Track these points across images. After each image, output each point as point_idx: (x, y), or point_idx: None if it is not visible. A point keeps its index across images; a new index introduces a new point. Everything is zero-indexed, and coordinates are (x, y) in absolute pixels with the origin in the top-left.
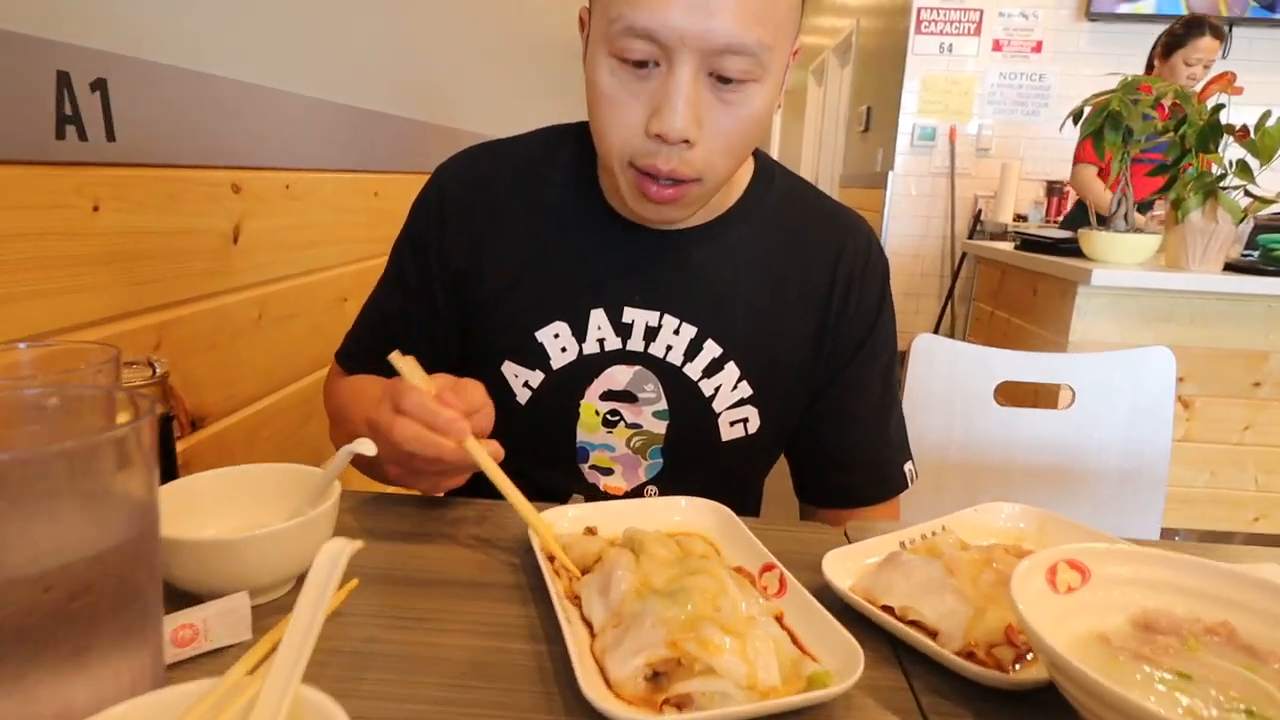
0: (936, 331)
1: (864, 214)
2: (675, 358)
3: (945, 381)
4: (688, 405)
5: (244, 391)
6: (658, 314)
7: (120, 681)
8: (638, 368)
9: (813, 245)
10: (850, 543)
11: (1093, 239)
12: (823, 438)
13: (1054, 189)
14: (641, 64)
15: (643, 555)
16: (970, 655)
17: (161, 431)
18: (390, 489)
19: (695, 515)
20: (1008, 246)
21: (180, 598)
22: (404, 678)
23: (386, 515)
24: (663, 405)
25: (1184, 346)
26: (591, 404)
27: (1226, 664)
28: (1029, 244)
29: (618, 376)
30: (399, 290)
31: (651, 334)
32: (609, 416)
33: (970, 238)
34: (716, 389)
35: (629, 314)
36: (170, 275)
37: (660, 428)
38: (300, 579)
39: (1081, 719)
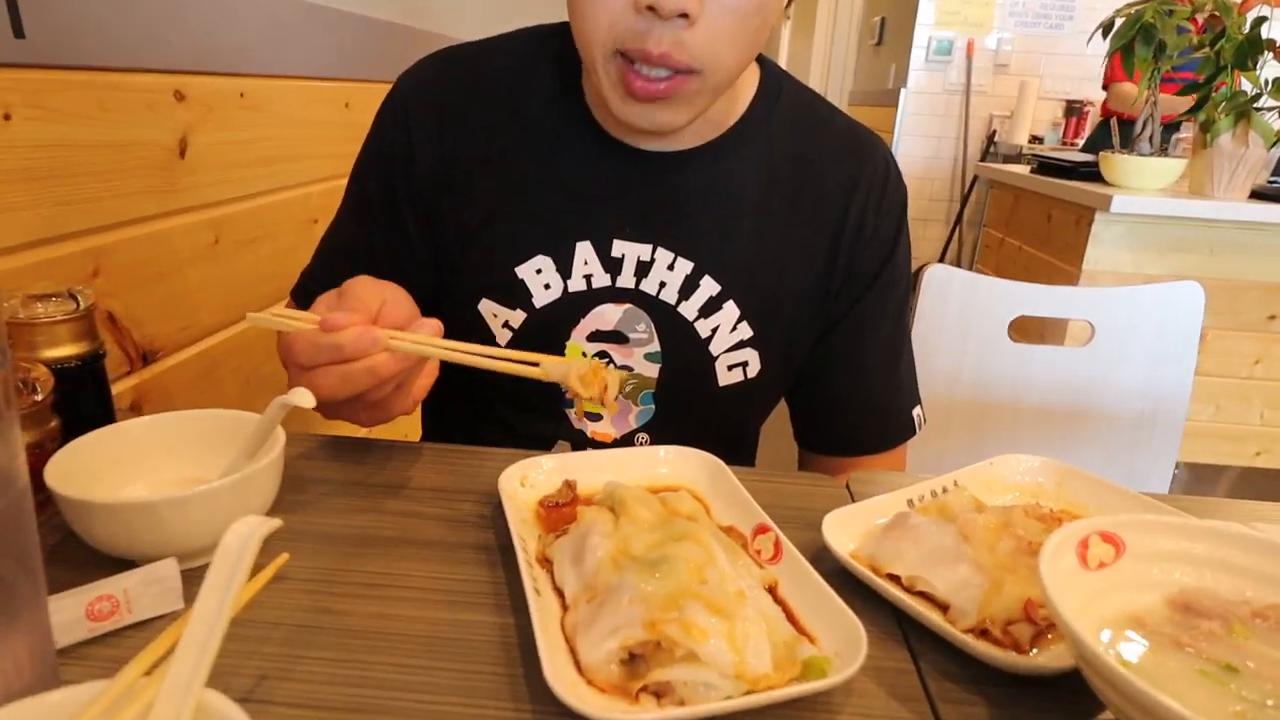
0: (943, 259)
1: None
2: (669, 295)
3: (957, 315)
4: (682, 347)
5: (201, 323)
6: (650, 247)
7: None
8: (628, 306)
9: (824, 171)
10: (853, 499)
11: (1114, 162)
12: (827, 381)
13: (1073, 109)
14: None
15: (622, 516)
16: (985, 633)
17: (89, 373)
18: (356, 430)
19: (684, 467)
20: (1023, 170)
21: (109, 564)
22: (350, 656)
23: (345, 464)
24: (655, 347)
25: (1200, 278)
26: (578, 345)
27: (1279, 653)
28: (1046, 167)
29: (606, 315)
30: (362, 219)
31: (643, 269)
32: (598, 358)
33: (983, 160)
34: (714, 330)
35: (619, 247)
36: (105, 195)
37: (652, 371)
38: None
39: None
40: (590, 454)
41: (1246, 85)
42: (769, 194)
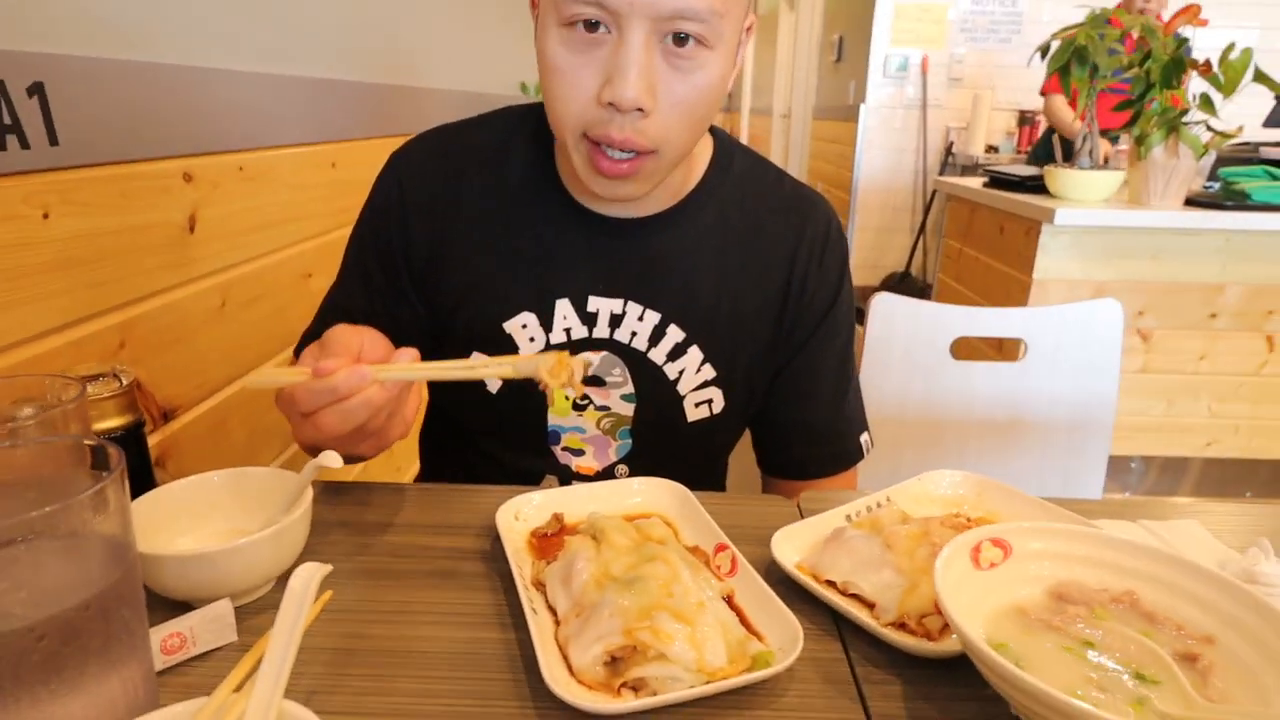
0: (908, 268)
1: (836, 148)
2: (640, 343)
3: (903, 339)
4: (654, 388)
5: (213, 379)
6: (621, 301)
7: (115, 705)
8: (604, 353)
9: (772, 229)
10: (802, 516)
11: (1057, 176)
12: (782, 414)
13: (1025, 119)
14: (592, 26)
15: (603, 543)
16: (903, 626)
17: (134, 440)
18: (361, 472)
19: (656, 496)
20: (977, 183)
21: (165, 604)
22: (383, 672)
23: (358, 505)
24: (630, 389)
25: (1144, 281)
26: (561, 390)
27: (1128, 630)
28: (997, 181)
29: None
30: (361, 285)
31: (616, 321)
32: (579, 400)
33: (941, 172)
34: (680, 372)
35: (594, 303)
36: (128, 274)
37: (628, 410)
38: (280, 578)
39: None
40: (574, 489)
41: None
42: (723, 254)
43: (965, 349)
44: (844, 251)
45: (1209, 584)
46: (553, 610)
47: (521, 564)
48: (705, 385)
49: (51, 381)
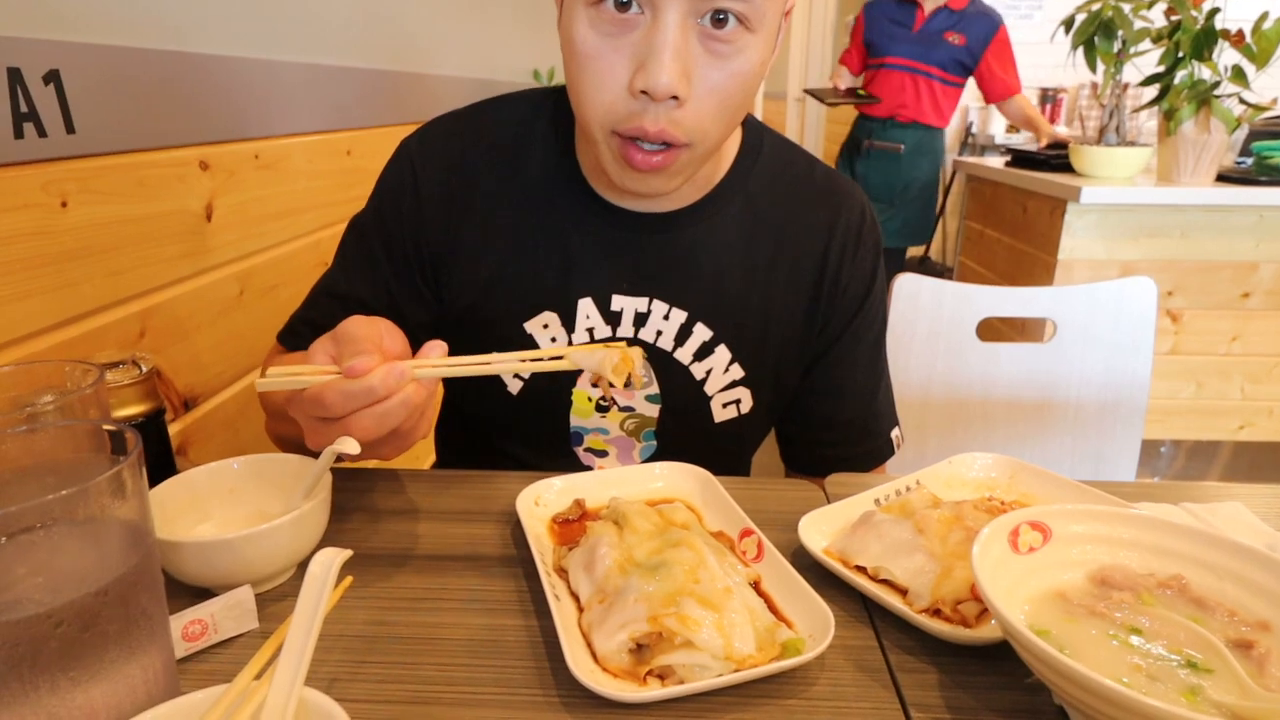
0: (927, 251)
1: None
2: (665, 343)
3: (928, 321)
4: (679, 389)
5: (233, 367)
6: (646, 300)
7: (135, 692)
8: None
9: (804, 221)
10: (829, 500)
11: (1083, 153)
12: (811, 412)
13: (1047, 96)
14: (623, 5)
15: (625, 528)
16: (937, 612)
17: (154, 427)
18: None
19: (678, 481)
20: (999, 162)
21: (187, 591)
22: (404, 660)
23: (377, 491)
24: (654, 389)
25: (1173, 260)
26: (584, 391)
27: (1177, 616)
28: (1019, 160)
29: None
30: (364, 274)
31: (641, 320)
32: (601, 402)
33: (960, 153)
34: (708, 372)
35: (617, 301)
36: (147, 262)
37: (653, 411)
38: (301, 565)
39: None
40: (595, 473)
41: (1206, 73)
42: (751, 249)
43: (986, 331)
44: (878, 242)
45: (1262, 567)
46: (575, 597)
47: (543, 550)
48: (733, 385)
49: (71, 368)
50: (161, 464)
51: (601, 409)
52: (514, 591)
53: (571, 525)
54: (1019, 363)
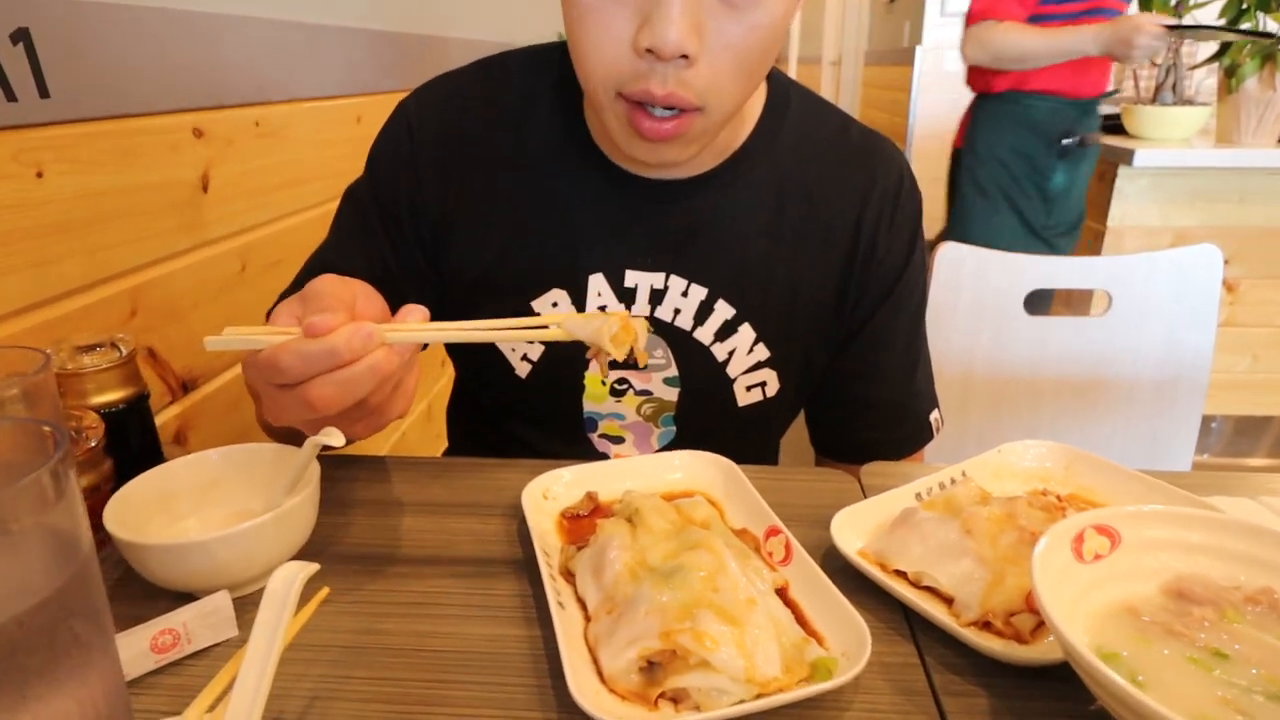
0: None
1: (889, 95)
2: (684, 322)
3: (971, 293)
4: (700, 371)
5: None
6: (663, 275)
7: None
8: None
9: (836, 186)
10: (865, 493)
11: (1136, 114)
12: (843, 393)
13: None
14: None
15: (639, 527)
16: (987, 625)
17: (137, 414)
18: (399, 441)
19: (698, 471)
20: None
21: (166, 594)
22: (392, 675)
23: (375, 482)
24: (673, 372)
25: (1230, 227)
26: (597, 375)
27: (1269, 638)
28: None
29: None
30: (359, 246)
31: (657, 297)
32: (616, 385)
33: None
34: (730, 353)
35: (631, 277)
36: (137, 236)
37: (672, 395)
38: None
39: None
40: (609, 463)
41: (1273, 26)
42: (778, 217)
43: (1034, 305)
44: (918, 206)
45: None
46: (583, 604)
47: (549, 549)
48: (758, 367)
49: (24, 355)
50: (147, 454)
51: (617, 392)
52: (517, 596)
53: (582, 521)
54: (1070, 338)
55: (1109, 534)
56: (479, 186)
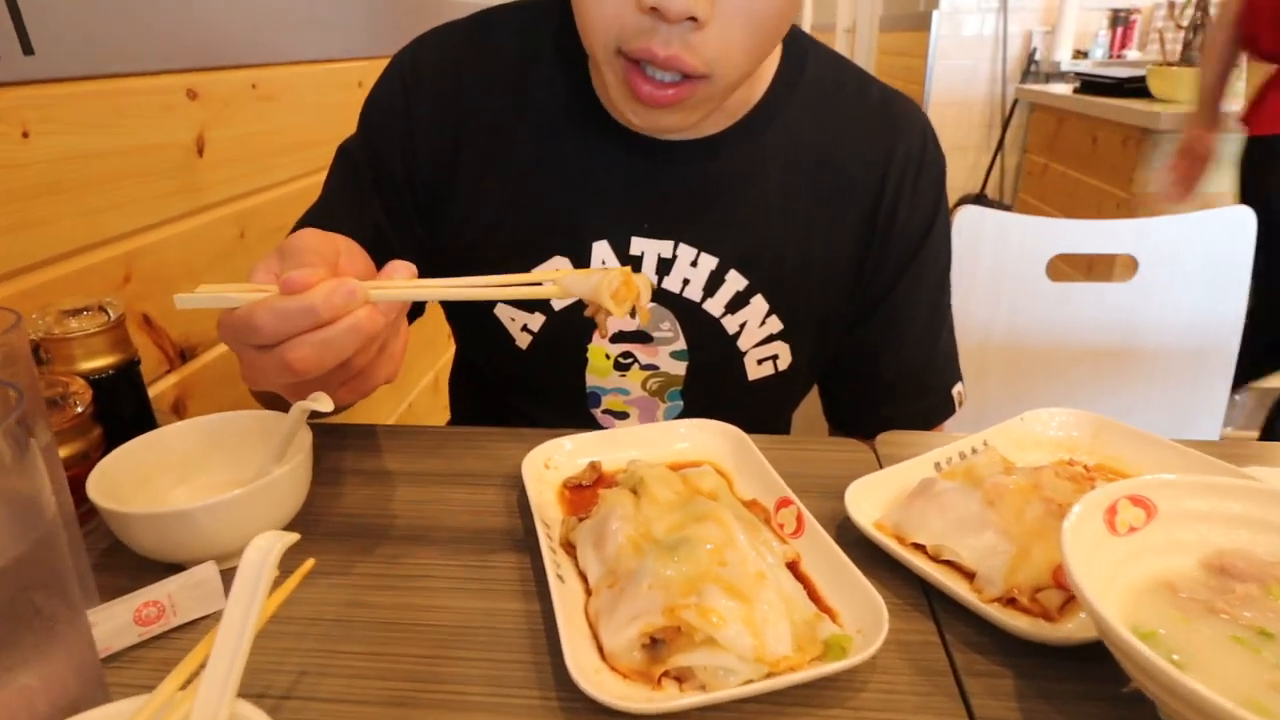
0: (984, 188)
1: (905, 61)
2: (693, 293)
3: (991, 258)
4: (709, 344)
5: None
6: (671, 243)
7: (34, 707)
8: (651, 305)
9: (855, 150)
10: (880, 463)
11: (1162, 75)
12: (861, 367)
13: (1119, 18)
14: None
15: (643, 497)
16: (1012, 601)
17: (127, 381)
18: (406, 412)
19: (706, 440)
20: (1066, 90)
21: (156, 565)
22: (383, 649)
23: (374, 452)
24: (681, 345)
25: None
26: (601, 347)
27: None
28: (1090, 85)
29: (629, 316)
30: (350, 208)
31: (665, 266)
32: (621, 359)
33: (1023, 80)
34: (742, 326)
35: (637, 245)
36: (129, 200)
37: (679, 369)
38: None
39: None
40: (613, 432)
41: None
42: (794, 181)
43: (1055, 270)
44: (941, 170)
45: None
46: (584, 577)
47: (550, 521)
48: (770, 340)
49: (5, 315)
50: (139, 420)
51: (621, 366)
52: (516, 569)
53: (584, 491)
54: (1094, 304)
55: (1144, 505)
56: (477, 146)
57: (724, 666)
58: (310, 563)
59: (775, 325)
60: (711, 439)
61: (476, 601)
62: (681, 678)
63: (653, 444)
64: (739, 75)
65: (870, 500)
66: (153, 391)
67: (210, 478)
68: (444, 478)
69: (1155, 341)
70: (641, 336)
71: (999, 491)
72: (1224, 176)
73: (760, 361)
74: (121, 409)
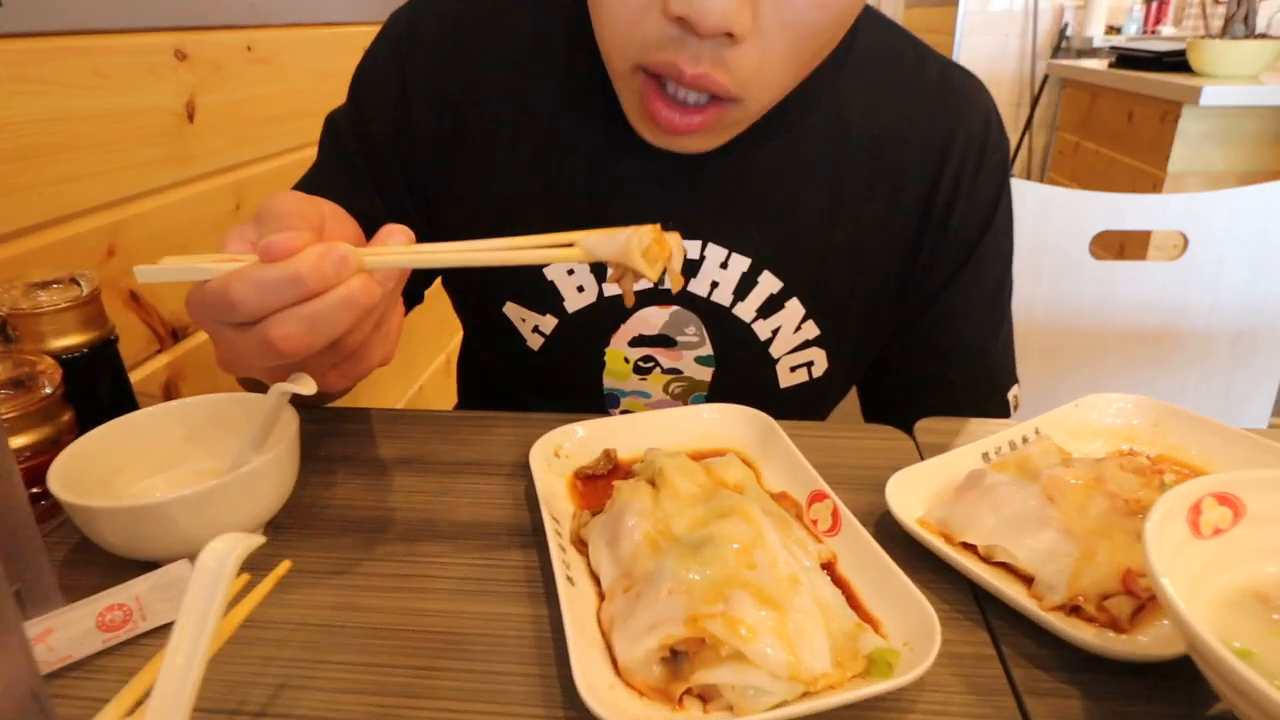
0: (1012, 167)
1: (931, 38)
2: (722, 296)
3: (1032, 233)
4: (738, 351)
5: None
6: (698, 244)
7: None
8: (675, 308)
9: (910, 134)
10: (921, 453)
11: (1203, 49)
12: (908, 371)
13: None
14: None
15: (663, 490)
16: (1076, 610)
17: (103, 360)
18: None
19: (731, 426)
20: (1100, 65)
21: (127, 564)
22: (373, 660)
23: (371, 438)
24: (707, 350)
25: None
26: (620, 350)
27: None
28: (1126, 59)
29: (650, 320)
30: (341, 183)
31: (691, 268)
32: (641, 363)
33: (1054, 56)
34: (775, 331)
35: None
36: (112, 168)
37: (704, 374)
38: (269, 530)
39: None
40: (629, 417)
41: None
42: (841, 169)
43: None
44: (1005, 157)
45: None
46: (597, 579)
47: (560, 515)
48: (805, 346)
49: None
50: (117, 403)
51: (641, 370)
52: (522, 568)
53: (598, 483)
54: (1139, 284)
55: (1231, 504)
56: (481, 123)
57: (754, 685)
58: (286, 564)
59: (811, 330)
60: (738, 425)
61: (478, 605)
62: (706, 696)
63: (673, 430)
64: (775, 97)
65: (913, 494)
66: (141, 373)
67: (188, 467)
68: (446, 467)
69: (1203, 323)
70: (664, 340)
71: (1058, 485)
72: (1260, 155)
73: (794, 369)
74: (98, 392)
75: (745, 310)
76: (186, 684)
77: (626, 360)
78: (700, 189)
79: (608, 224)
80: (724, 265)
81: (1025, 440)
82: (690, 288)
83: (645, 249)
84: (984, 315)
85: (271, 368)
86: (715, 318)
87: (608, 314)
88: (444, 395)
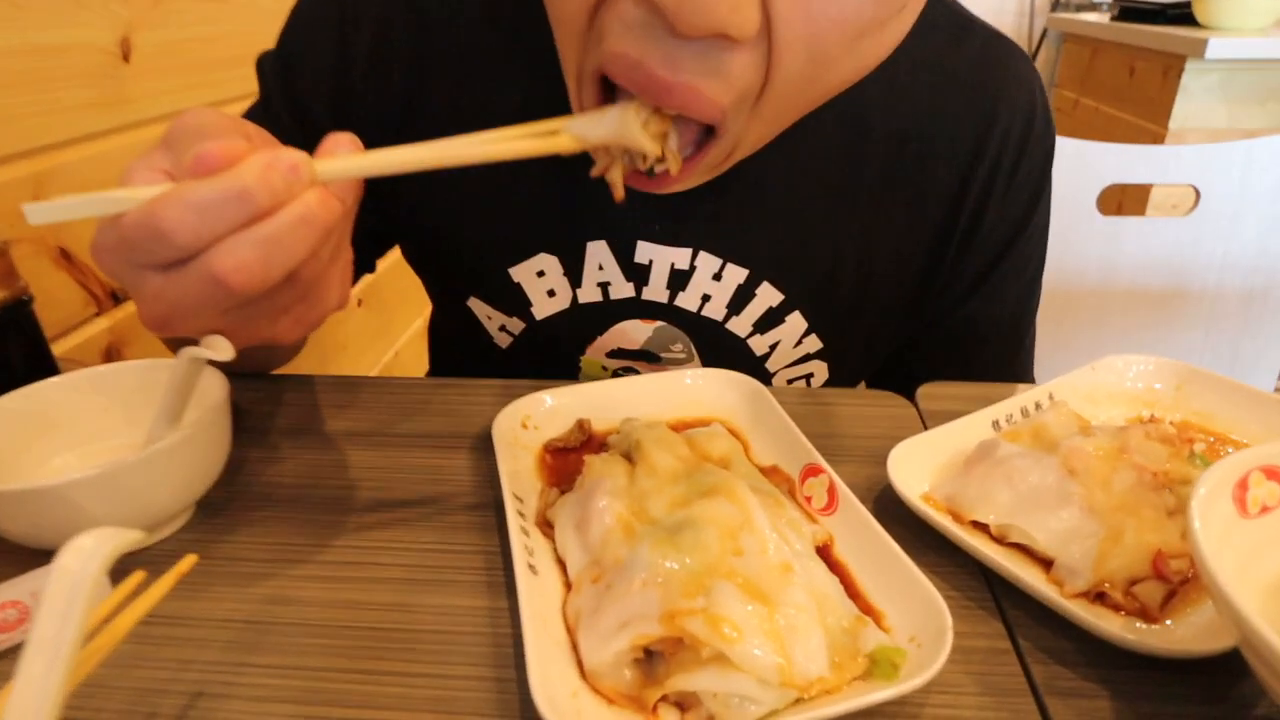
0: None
1: None
2: (715, 311)
3: None
4: (730, 366)
5: None
6: (688, 252)
7: None
8: (659, 323)
9: (940, 121)
10: (924, 422)
11: (1211, 0)
12: (919, 378)
13: None
14: None
15: (640, 465)
16: (1101, 597)
17: (14, 322)
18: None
19: (718, 394)
20: (1102, 18)
21: (26, 554)
22: (304, 663)
23: (320, 408)
24: (695, 366)
25: None
26: (596, 360)
27: None
28: (1129, 12)
29: (631, 334)
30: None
31: (679, 280)
32: (620, 373)
33: (1054, 10)
34: (772, 346)
35: (644, 251)
36: (35, 111)
37: None
38: (198, 511)
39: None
40: (604, 384)
41: None
42: (855, 169)
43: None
44: (1048, 150)
45: None
46: (563, 565)
47: (525, 493)
48: (805, 359)
49: None
50: (34, 370)
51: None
52: (480, 554)
53: (570, 456)
54: (1147, 240)
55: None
56: (441, 101)
57: (739, 693)
58: (191, 559)
59: (813, 345)
60: (724, 391)
61: (429, 597)
62: (684, 705)
63: (653, 399)
64: (771, 132)
65: (917, 467)
66: (76, 338)
67: (109, 442)
68: (402, 438)
69: (1211, 281)
70: (648, 356)
71: (1079, 457)
72: (1266, 112)
73: (790, 382)
74: (12, 357)
75: (740, 325)
76: (44, 705)
77: (604, 369)
78: (694, 191)
79: (586, 222)
80: (717, 277)
81: (1039, 406)
82: (678, 302)
83: (645, 121)
84: (1009, 324)
85: (219, 314)
86: (706, 333)
87: (581, 323)
88: (422, 361)
